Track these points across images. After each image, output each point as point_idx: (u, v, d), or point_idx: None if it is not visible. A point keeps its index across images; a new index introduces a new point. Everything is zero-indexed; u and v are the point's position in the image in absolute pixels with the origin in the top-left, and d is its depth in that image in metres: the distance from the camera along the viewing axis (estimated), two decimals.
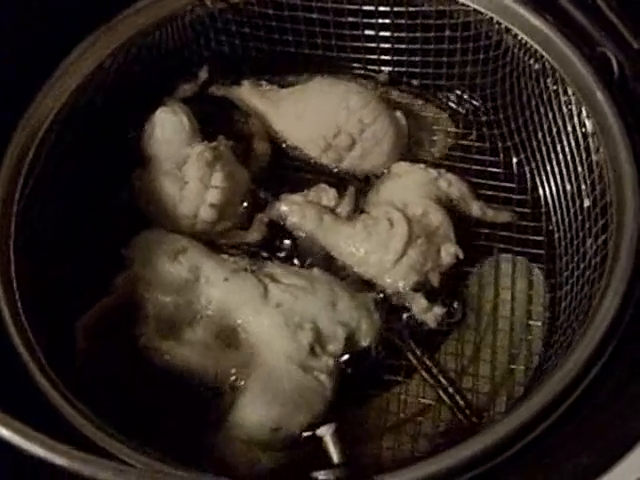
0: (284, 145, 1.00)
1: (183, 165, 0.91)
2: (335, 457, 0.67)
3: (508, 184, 0.99)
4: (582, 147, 0.86)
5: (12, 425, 0.57)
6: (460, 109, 1.07)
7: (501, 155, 1.02)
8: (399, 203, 0.92)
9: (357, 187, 0.97)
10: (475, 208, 0.96)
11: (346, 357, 0.84)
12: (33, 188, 0.83)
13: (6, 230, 0.78)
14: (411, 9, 0.97)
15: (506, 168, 1.01)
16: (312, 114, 0.97)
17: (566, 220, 0.90)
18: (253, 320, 0.83)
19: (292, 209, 0.93)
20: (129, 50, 0.96)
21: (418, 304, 0.88)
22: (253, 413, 0.77)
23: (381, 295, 0.89)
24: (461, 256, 0.89)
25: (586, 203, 0.84)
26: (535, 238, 0.94)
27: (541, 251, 0.93)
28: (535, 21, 0.89)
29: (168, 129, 0.95)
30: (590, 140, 0.84)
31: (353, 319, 0.85)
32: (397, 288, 0.88)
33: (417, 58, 1.04)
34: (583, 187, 0.85)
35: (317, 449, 0.70)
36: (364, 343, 0.85)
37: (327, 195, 0.95)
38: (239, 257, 0.89)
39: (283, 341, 0.82)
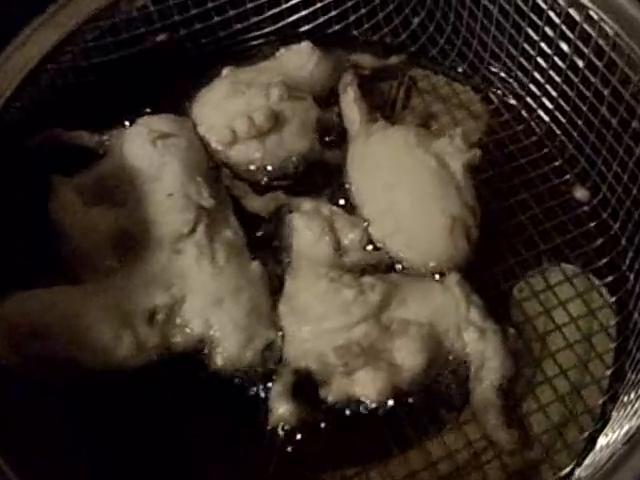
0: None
1: None
2: None
3: None
4: None
5: None
6: None
7: None
8: (399, 296, 0.70)
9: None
10: (479, 392, 0.68)
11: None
12: None
13: None
14: None
15: None
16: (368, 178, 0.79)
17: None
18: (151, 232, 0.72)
19: (307, 211, 0.77)
20: None
21: (278, 384, 0.66)
22: (38, 302, 0.67)
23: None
24: (370, 399, 0.65)
25: None
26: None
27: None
28: None
29: (298, 58, 0.87)
30: None
31: (223, 330, 0.68)
32: (286, 354, 0.69)
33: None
34: None
35: None
36: (215, 363, 0.68)
37: (351, 232, 0.76)
38: (216, 198, 0.75)
39: (148, 284, 0.69)
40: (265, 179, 0.81)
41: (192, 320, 0.68)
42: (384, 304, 0.69)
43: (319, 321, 0.68)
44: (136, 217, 0.73)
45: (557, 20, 0.79)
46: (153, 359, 0.67)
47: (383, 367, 0.66)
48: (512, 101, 0.90)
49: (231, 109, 0.80)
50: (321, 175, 0.83)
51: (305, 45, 0.87)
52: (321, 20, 0.95)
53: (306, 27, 0.95)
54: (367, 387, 0.65)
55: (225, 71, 0.86)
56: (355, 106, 0.83)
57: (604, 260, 0.78)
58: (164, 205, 0.73)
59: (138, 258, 0.71)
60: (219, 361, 0.67)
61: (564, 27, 0.78)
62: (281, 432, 0.65)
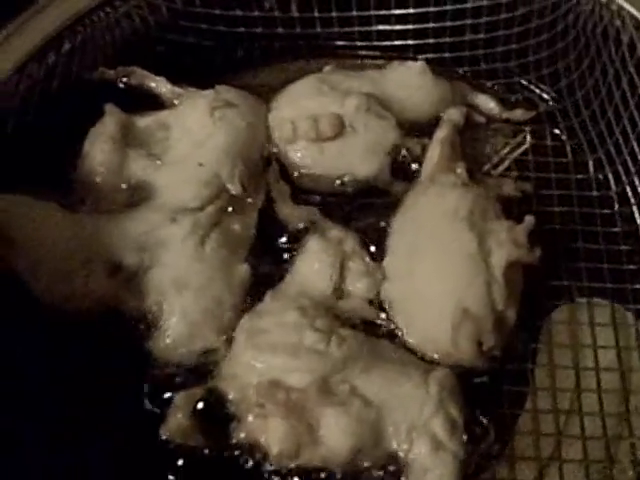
0: None
1: None
2: None
3: None
4: None
5: None
6: None
7: None
8: (366, 364, 0.61)
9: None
10: None
11: None
12: None
13: None
14: None
15: None
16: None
17: None
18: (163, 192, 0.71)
19: (330, 239, 0.70)
20: None
21: (184, 394, 0.60)
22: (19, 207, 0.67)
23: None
24: (270, 453, 0.58)
25: None
26: None
27: None
28: None
29: (403, 75, 0.80)
30: None
31: (169, 315, 0.64)
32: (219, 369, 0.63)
33: None
34: None
35: None
36: (150, 344, 0.64)
37: (360, 280, 0.68)
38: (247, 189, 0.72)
39: (127, 239, 0.67)
40: (316, 190, 0.75)
41: (147, 293, 0.64)
42: (343, 365, 0.60)
43: (266, 350, 0.61)
44: (161, 173, 0.71)
45: None
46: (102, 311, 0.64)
47: (299, 428, 0.58)
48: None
49: (304, 106, 0.76)
50: (375, 207, 0.74)
51: (419, 64, 0.79)
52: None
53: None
54: (272, 439, 0.57)
55: (327, 68, 0.82)
56: (438, 146, 0.73)
57: None
58: (190, 173, 0.71)
59: (136, 211, 0.68)
60: (153, 344, 0.63)
61: None
62: (169, 448, 0.59)
